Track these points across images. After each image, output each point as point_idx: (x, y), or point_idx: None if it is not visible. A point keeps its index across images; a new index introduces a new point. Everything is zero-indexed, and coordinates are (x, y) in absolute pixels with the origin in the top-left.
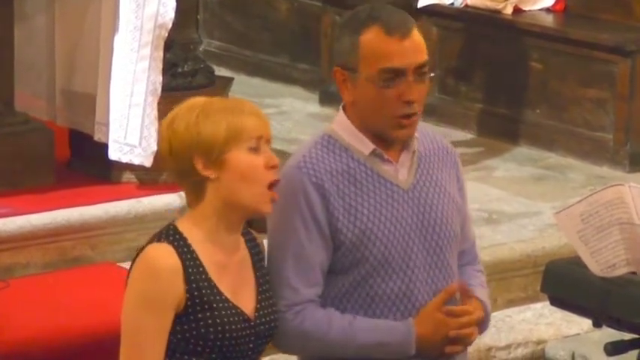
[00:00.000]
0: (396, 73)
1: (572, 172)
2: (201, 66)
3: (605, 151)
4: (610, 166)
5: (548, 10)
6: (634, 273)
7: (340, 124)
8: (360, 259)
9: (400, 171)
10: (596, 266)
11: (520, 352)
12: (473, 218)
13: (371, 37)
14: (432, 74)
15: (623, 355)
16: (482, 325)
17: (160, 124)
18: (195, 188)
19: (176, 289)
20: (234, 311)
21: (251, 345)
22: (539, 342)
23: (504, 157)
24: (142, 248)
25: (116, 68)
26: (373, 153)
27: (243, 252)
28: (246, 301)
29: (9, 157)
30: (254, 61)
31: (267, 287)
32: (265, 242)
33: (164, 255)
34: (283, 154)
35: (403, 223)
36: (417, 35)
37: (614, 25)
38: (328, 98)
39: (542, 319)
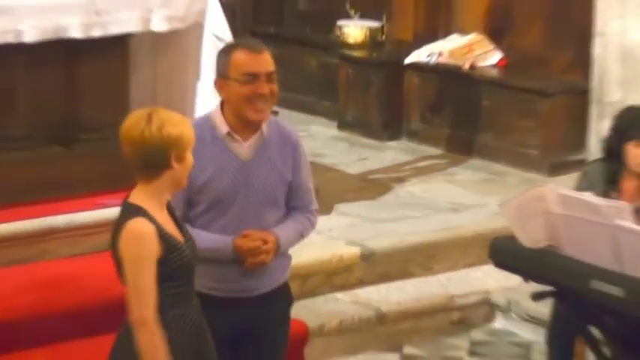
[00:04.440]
0: (254, 76)
1: (510, 177)
2: None
3: (532, 162)
4: (536, 173)
5: (494, 65)
6: (551, 245)
7: (215, 112)
8: (204, 199)
9: (245, 149)
10: (526, 241)
11: (473, 298)
12: (443, 209)
13: (237, 55)
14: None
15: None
16: (278, 246)
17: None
18: (154, 173)
19: (156, 246)
20: (181, 244)
21: (194, 262)
22: (486, 292)
23: (463, 166)
24: (119, 227)
25: (199, 106)
26: (228, 134)
27: (165, 209)
28: (177, 235)
29: None
30: (292, 99)
31: (178, 222)
32: None
33: (143, 226)
34: (312, 164)
35: (235, 182)
36: (267, 54)
37: (539, 75)
38: (343, 125)
39: (489, 277)
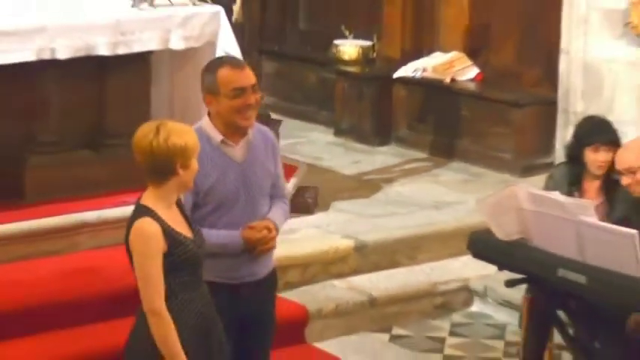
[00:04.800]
0: (242, 90)
1: (486, 177)
2: (262, 112)
3: (506, 165)
4: (509, 174)
5: (472, 79)
6: (522, 238)
7: (206, 123)
8: (210, 201)
9: (237, 152)
10: (500, 234)
11: (454, 285)
12: (427, 206)
13: (223, 72)
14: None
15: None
16: (277, 232)
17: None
18: (163, 178)
19: (161, 242)
20: (187, 239)
21: (200, 263)
22: (465, 279)
23: (445, 168)
24: (129, 225)
25: None
26: (222, 141)
27: (175, 207)
28: (186, 231)
29: None
30: (293, 110)
31: (189, 220)
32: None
33: (149, 225)
34: (312, 166)
35: (236, 183)
36: (248, 68)
37: (512, 89)
38: (339, 132)
39: (467, 266)
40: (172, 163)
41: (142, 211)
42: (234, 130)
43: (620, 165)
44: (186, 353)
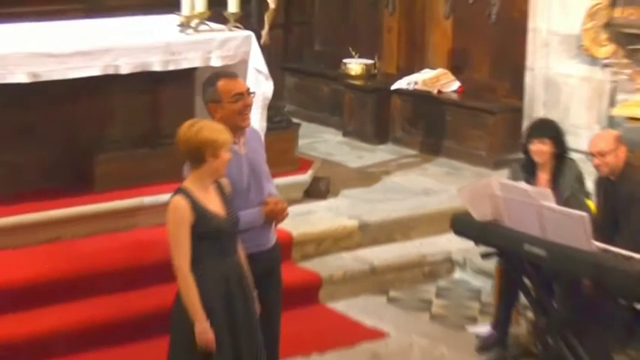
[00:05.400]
0: (241, 95)
1: (465, 171)
2: (285, 117)
3: (481, 160)
4: (484, 168)
5: (455, 91)
6: (495, 219)
7: None
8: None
9: (241, 146)
10: (477, 216)
11: (439, 256)
12: (417, 193)
13: (223, 83)
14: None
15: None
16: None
17: (176, 135)
18: (198, 165)
19: (188, 214)
20: (214, 215)
21: (229, 236)
22: (449, 252)
23: (433, 163)
24: (169, 202)
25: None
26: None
27: (213, 189)
28: (219, 210)
29: None
30: (310, 115)
31: (227, 203)
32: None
33: (179, 201)
34: (325, 161)
35: (243, 170)
36: (240, 78)
37: (487, 99)
38: (346, 134)
39: (450, 241)
40: (203, 152)
41: (178, 191)
42: (236, 130)
43: (592, 148)
44: (210, 310)
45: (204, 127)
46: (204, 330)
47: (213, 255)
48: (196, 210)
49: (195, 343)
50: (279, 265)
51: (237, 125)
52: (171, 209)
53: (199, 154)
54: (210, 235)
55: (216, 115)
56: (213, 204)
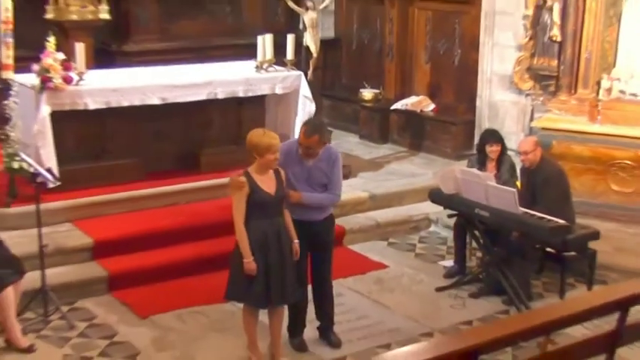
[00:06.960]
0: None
1: (438, 162)
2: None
3: (448, 155)
4: (450, 160)
5: (431, 110)
6: (457, 193)
7: (295, 141)
8: (289, 185)
9: (309, 161)
10: (445, 190)
11: (421, 216)
12: (407, 175)
13: (300, 134)
14: None
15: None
16: (304, 202)
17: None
18: (253, 158)
19: (245, 187)
20: (263, 192)
21: (273, 206)
22: (427, 214)
23: (417, 156)
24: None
25: (296, 129)
26: (299, 153)
27: (271, 175)
28: (271, 189)
29: None
30: (339, 125)
31: (279, 185)
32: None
33: (240, 177)
34: (347, 155)
35: (306, 177)
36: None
37: (452, 115)
38: (362, 137)
39: (428, 207)
40: (252, 151)
41: (243, 172)
42: (307, 157)
43: (519, 149)
44: (253, 251)
45: (253, 134)
46: (249, 262)
47: (258, 217)
48: (251, 186)
49: (243, 270)
50: (328, 230)
51: (310, 156)
52: (233, 183)
53: (251, 152)
54: (257, 204)
55: (318, 148)
56: (267, 185)
